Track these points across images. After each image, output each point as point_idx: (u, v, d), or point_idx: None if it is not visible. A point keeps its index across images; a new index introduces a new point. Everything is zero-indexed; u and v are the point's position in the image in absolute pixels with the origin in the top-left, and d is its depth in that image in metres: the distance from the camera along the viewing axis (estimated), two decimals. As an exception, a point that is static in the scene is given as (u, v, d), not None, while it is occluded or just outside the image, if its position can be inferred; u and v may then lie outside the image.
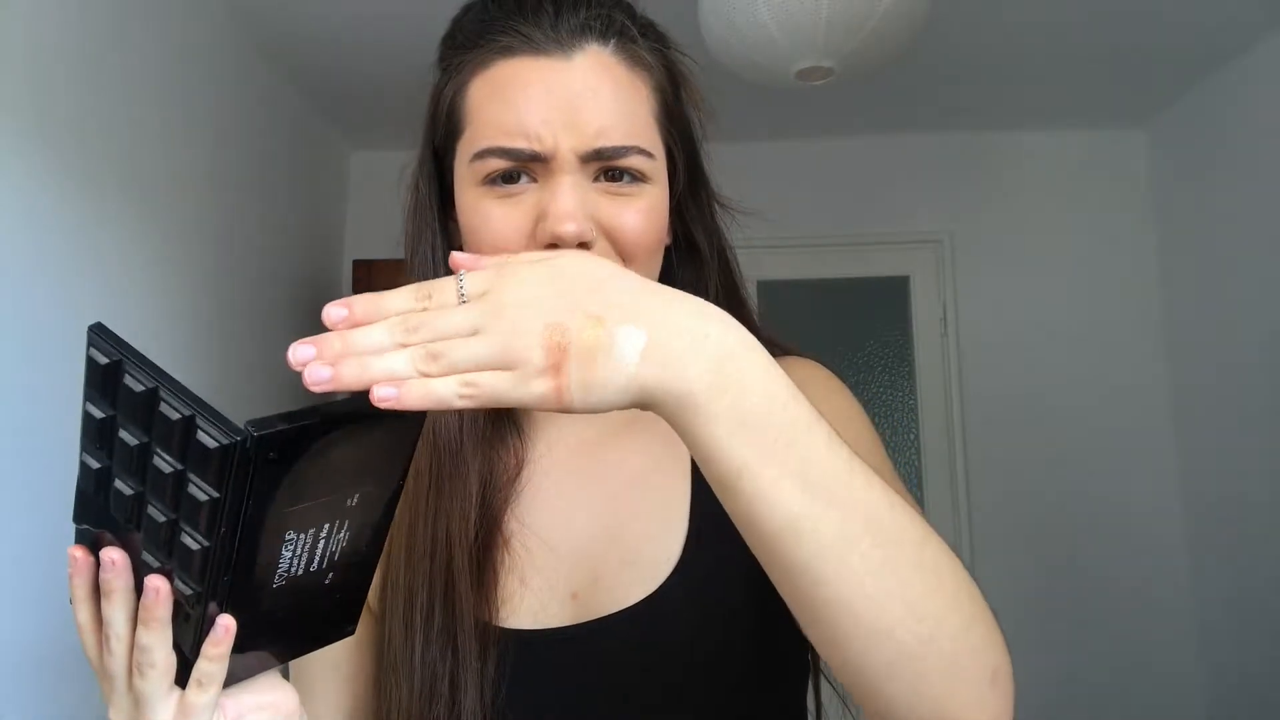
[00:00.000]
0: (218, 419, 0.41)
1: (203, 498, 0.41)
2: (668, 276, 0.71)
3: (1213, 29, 2.43)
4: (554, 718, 0.62)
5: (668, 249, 0.70)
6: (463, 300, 0.43)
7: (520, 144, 0.60)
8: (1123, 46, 2.53)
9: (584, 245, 0.60)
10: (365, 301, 0.44)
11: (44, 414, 1.62)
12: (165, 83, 2.02)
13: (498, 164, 0.61)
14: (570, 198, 0.59)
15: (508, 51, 0.61)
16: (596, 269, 0.45)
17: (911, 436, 3.04)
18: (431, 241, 0.68)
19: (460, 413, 0.67)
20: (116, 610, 0.45)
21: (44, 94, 1.63)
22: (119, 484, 0.44)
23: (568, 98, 0.60)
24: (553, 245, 0.59)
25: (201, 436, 0.41)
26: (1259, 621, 2.52)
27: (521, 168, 0.61)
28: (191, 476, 0.42)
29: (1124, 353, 2.98)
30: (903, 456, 3.02)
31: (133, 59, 1.90)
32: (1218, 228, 2.71)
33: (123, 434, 0.44)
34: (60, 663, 1.63)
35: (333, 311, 0.43)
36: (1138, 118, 3.00)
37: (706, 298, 0.69)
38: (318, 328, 0.44)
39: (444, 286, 0.44)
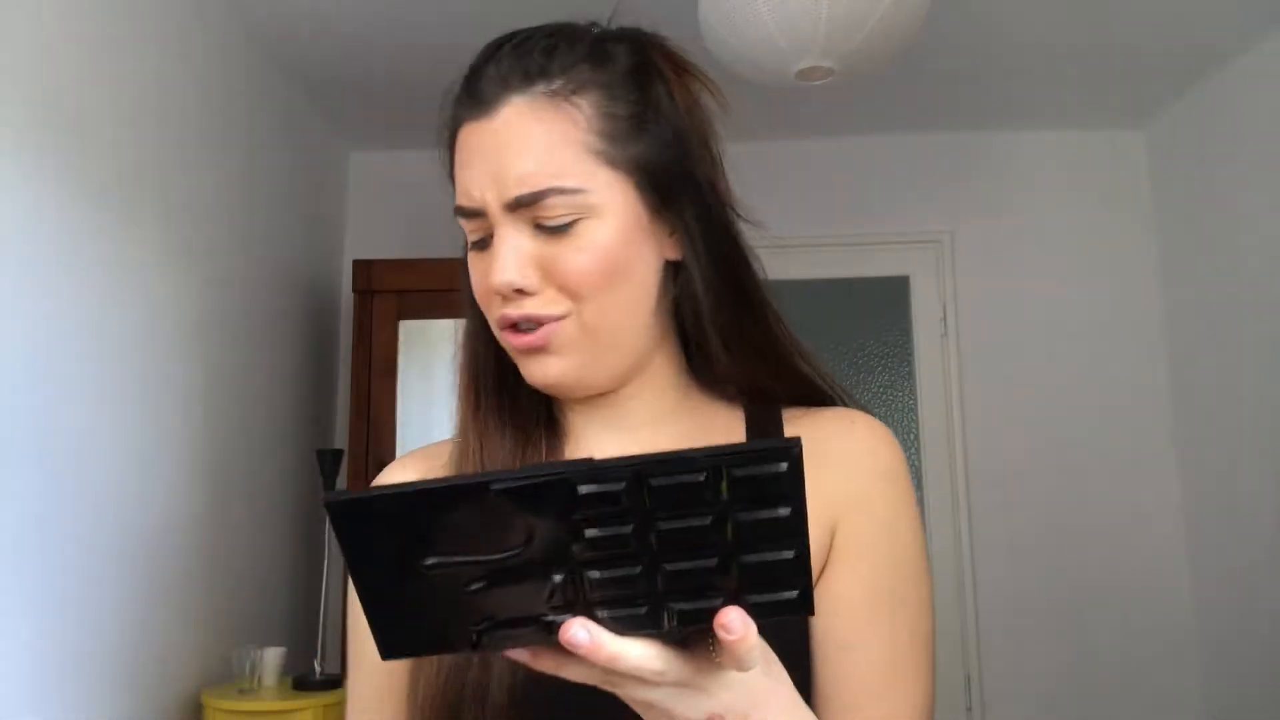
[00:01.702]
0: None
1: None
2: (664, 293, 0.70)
3: (1212, 29, 2.43)
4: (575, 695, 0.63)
5: (674, 265, 0.68)
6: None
7: (464, 202, 0.65)
8: (1122, 46, 2.53)
9: (521, 292, 0.63)
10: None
11: (44, 414, 1.62)
12: (164, 82, 2.02)
13: (464, 224, 0.67)
14: (502, 251, 0.63)
15: (457, 121, 0.67)
16: (767, 684, 0.49)
17: (911, 436, 3.04)
18: (468, 287, 0.73)
19: (501, 429, 0.70)
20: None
21: (44, 94, 1.63)
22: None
23: (493, 153, 0.64)
24: (501, 296, 0.64)
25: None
26: (1260, 620, 2.52)
27: (481, 226, 0.66)
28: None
29: (1124, 352, 2.98)
30: (903, 456, 3.02)
31: (132, 60, 1.91)
32: (1217, 228, 2.71)
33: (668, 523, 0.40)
34: (61, 663, 1.63)
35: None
36: (1137, 118, 3.00)
37: (703, 314, 0.68)
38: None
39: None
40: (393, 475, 0.75)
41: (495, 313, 0.66)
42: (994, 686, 2.86)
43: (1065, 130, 3.06)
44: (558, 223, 0.63)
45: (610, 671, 0.43)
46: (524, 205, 0.62)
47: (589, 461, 0.39)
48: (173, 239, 2.04)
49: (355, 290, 2.71)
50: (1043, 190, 3.07)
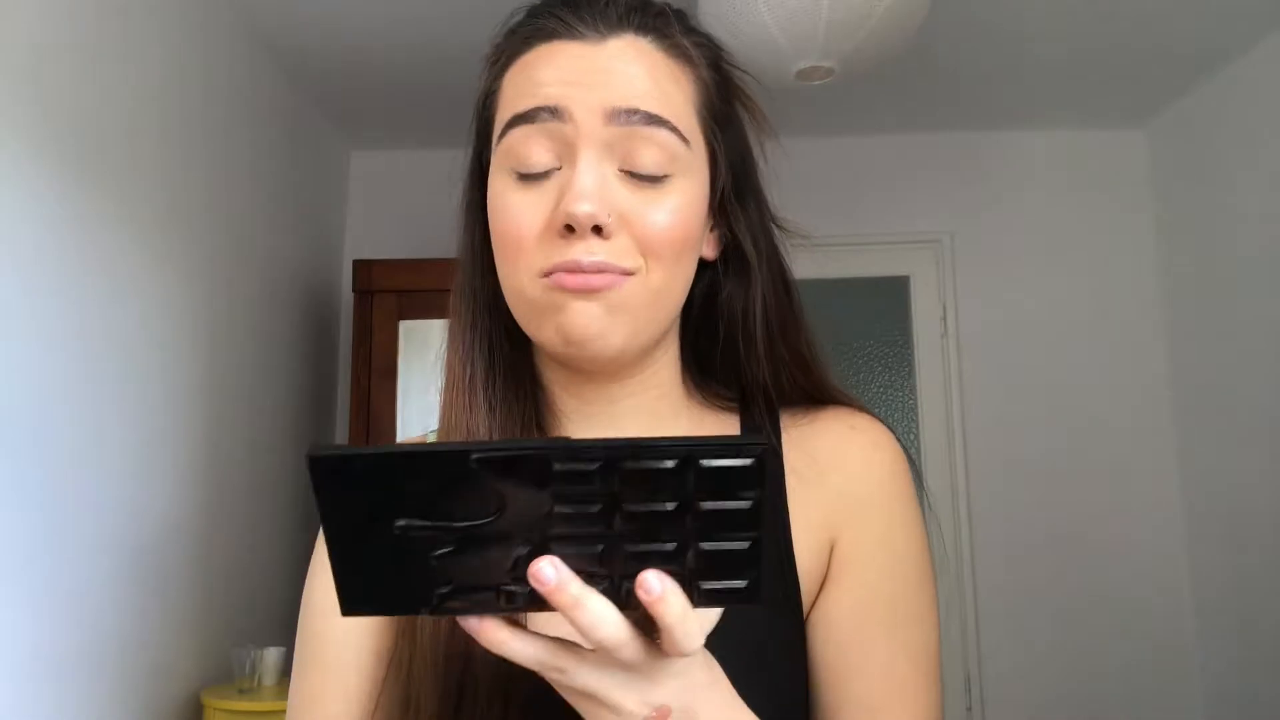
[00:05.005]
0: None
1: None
2: (712, 290, 0.67)
3: (1212, 29, 2.43)
4: None
5: (711, 262, 0.66)
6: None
7: (540, 102, 0.56)
8: (1122, 46, 2.53)
9: (598, 230, 0.55)
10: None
11: (44, 414, 1.62)
12: (165, 82, 2.02)
13: (517, 134, 0.57)
14: (590, 175, 0.55)
15: (544, 34, 0.59)
16: (708, 678, 0.48)
17: (911, 436, 3.04)
18: (470, 243, 0.66)
19: (491, 411, 0.64)
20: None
21: (44, 94, 1.63)
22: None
23: (596, 68, 0.57)
24: (568, 229, 0.55)
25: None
26: (1259, 621, 2.52)
27: (546, 135, 0.57)
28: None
29: (1124, 352, 2.98)
30: (903, 456, 3.02)
31: (133, 59, 1.91)
32: (1217, 227, 2.71)
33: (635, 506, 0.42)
34: (61, 663, 1.63)
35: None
36: (1137, 118, 3.00)
37: (753, 315, 0.67)
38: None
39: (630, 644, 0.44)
40: None
41: (551, 257, 0.56)
42: (994, 686, 2.86)
43: (1065, 130, 3.06)
44: (654, 171, 0.57)
45: (557, 654, 0.43)
46: (633, 122, 0.56)
47: (566, 440, 0.41)
48: (173, 239, 2.04)
49: (355, 290, 2.71)
50: (1043, 190, 3.07)
